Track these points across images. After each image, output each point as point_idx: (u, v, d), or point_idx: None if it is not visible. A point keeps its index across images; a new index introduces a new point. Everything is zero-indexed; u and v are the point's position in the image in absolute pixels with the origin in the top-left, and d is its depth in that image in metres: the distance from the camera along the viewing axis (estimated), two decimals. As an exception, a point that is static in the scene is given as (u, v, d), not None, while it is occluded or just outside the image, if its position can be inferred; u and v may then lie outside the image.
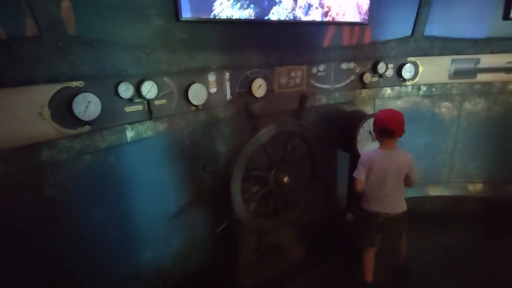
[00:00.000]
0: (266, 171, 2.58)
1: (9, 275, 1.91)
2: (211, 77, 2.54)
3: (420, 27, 3.36)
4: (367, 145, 3.13)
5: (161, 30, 2.21)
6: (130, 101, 2.18)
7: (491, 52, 3.51)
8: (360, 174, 2.41)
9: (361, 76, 3.35)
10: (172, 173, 2.56)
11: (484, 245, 3.18)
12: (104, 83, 2.06)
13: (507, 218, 3.56)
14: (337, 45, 3.12)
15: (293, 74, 2.97)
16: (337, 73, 3.24)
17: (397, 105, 3.61)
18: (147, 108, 2.27)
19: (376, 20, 3.20)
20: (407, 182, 2.44)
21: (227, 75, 2.61)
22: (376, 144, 3.05)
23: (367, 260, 2.60)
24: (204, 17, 2.35)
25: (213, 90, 2.57)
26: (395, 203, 2.42)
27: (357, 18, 3.07)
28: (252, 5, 2.50)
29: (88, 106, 1.96)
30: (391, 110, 2.42)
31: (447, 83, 3.64)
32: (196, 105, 2.48)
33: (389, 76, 3.49)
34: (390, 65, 3.44)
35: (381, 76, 3.43)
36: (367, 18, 3.10)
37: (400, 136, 2.36)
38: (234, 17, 2.45)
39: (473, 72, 3.62)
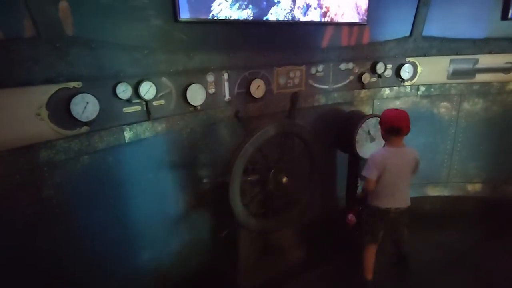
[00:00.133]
0: (264, 173, 2.58)
1: (8, 276, 1.91)
2: (210, 78, 2.53)
3: (418, 27, 3.37)
4: (366, 146, 3.13)
5: (160, 31, 2.21)
6: (128, 101, 2.18)
7: (490, 52, 3.52)
8: (372, 174, 2.40)
9: (360, 76, 3.35)
10: (171, 173, 2.55)
11: (483, 245, 3.18)
12: (102, 83, 2.06)
13: (506, 218, 3.56)
14: (335, 46, 3.13)
15: (291, 75, 2.97)
16: (336, 74, 3.24)
17: (396, 105, 3.61)
18: (145, 108, 2.26)
19: (375, 21, 3.20)
20: (412, 174, 2.54)
21: (225, 75, 2.60)
22: (374, 145, 3.09)
23: (368, 257, 2.62)
24: (202, 17, 2.35)
25: (211, 90, 2.57)
26: (406, 196, 2.51)
27: (355, 19, 3.07)
28: (250, 6, 2.50)
29: (86, 107, 1.96)
30: (396, 109, 2.47)
31: (446, 83, 3.64)
32: (194, 106, 2.48)
33: (388, 76, 3.50)
34: (389, 66, 3.45)
35: (380, 76, 3.43)
36: (365, 18, 3.11)
37: (407, 134, 2.41)
38: (232, 18, 2.45)
39: (471, 72, 3.62)
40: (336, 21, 2.98)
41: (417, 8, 3.28)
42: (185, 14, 2.24)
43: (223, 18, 2.41)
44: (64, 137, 1.95)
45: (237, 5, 2.44)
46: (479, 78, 3.63)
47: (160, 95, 2.32)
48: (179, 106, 2.44)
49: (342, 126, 3.25)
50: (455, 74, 3.63)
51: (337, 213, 3.63)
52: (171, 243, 2.72)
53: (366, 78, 3.36)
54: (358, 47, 3.25)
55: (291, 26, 2.82)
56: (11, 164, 1.78)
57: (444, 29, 3.44)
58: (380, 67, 3.35)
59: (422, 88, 3.62)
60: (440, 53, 3.52)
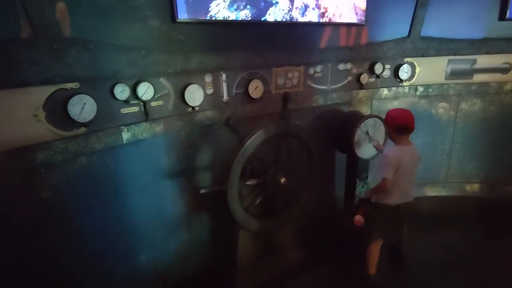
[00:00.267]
0: (262, 176, 2.57)
1: (6, 277, 1.90)
2: (208, 78, 2.53)
3: (416, 28, 3.37)
4: (364, 146, 3.13)
5: (157, 32, 2.21)
6: (126, 102, 2.18)
7: (488, 53, 3.53)
8: (390, 173, 2.42)
9: (358, 76, 3.35)
10: (169, 174, 2.55)
11: (482, 245, 3.19)
12: (100, 84, 2.06)
13: (504, 218, 3.57)
14: (334, 46, 3.13)
15: (290, 75, 2.97)
16: (334, 74, 3.24)
17: (395, 105, 3.61)
18: (143, 109, 2.26)
19: (373, 21, 3.21)
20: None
21: (223, 76, 2.60)
22: (372, 145, 3.09)
23: (375, 252, 2.67)
24: (200, 18, 2.34)
25: (209, 91, 2.56)
26: (412, 191, 2.60)
27: (354, 19, 3.07)
28: (248, 6, 2.50)
29: (83, 107, 1.95)
30: (401, 109, 2.58)
31: (444, 84, 3.65)
32: (192, 107, 2.48)
33: (386, 76, 3.50)
34: (387, 66, 3.45)
35: (378, 76, 3.43)
36: (364, 19, 3.11)
37: (413, 131, 2.48)
38: (230, 18, 2.45)
39: (469, 73, 3.63)
40: (334, 21, 2.98)
41: (415, 9, 3.29)
42: (183, 15, 2.24)
43: (221, 18, 2.41)
44: (62, 138, 1.95)
45: (235, 5, 2.44)
46: (477, 78, 3.64)
47: (158, 95, 2.31)
48: (177, 106, 2.43)
49: (341, 126, 3.25)
50: (453, 74, 3.63)
51: (336, 213, 3.65)
52: (170, 243, 2.71)
53: (365, 78, 3.36)
54: (356, 47, 3.25)
55: (289, 27, 2.82)
56: (8, 165, 1.77)
57: (442, 29, 3.44)
58: (378, 68, 3.35)
59: (421, 89, 3.63)
60: (438, 53, 3.53)
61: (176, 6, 2.19)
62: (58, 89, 1.90)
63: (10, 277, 1.92)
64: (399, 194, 2.50)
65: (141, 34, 2.15)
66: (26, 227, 1.93)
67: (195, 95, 2.45)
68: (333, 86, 3.28)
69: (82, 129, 2.03)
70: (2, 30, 1.67)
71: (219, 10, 2.39)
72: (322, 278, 2.89)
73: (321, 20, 2.91)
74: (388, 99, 3.58)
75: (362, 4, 3.05)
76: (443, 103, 3.75)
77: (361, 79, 3.34)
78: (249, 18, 2.54)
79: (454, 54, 3.54)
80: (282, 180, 2.58)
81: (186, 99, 2.41)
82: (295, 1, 2.72)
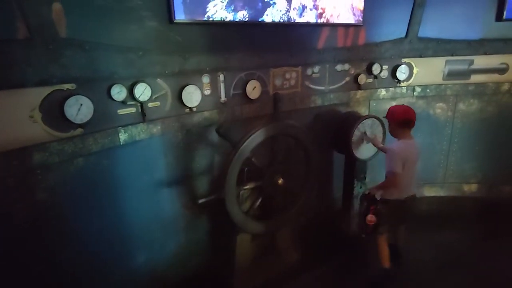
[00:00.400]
0: (259, 178, 2.56)
1: (3, 279, 1.89)
2: (205, 79, 2.53)
3: (414, 29, 3.38)
4: (362, 146, 3.13)
5: (155, 32, 2.20)
6: (123, 103, 2.17)
7: (485, 53, 3.54)
8: (399, 167, 2.45)
9: (356, 77, 3.36)
10: (167, 175, 2.54)
11: (480, 245, 3.19)
12: (97, 85, 2.05)
13: (502, 218, 3.58)
14: (331, 47, 3.13)
15: (288, 76, 2.97)
16: (332, 75, 3.24)
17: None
18: (140, 110, 2.25)
19: (371, 22, 3.21)
20: None
21: (221, 77, 2.60)
22: (370, 146, 3.09)
23: (384, 246, 2.72)
24: (198, 19, 2.34)
25: (207, 92, 2.56)
26: (415, 183, 2.67)
27: (351, 20, 3.07)
28: (246, 7, 2.50)
29: (80, 108, 1.95)
30: (402, 105, 2.69)
31: (442, 84, 3.66)
32: (190, 107, 2.47)
33: (384, 77, 3.51)
34: (385, 67, 3.46)
35: (376, 77, 3.44)
36: (361, 19, 3.11)
37: (414, 126, 2.55)
38: (228, 19, 2.44)
39: (467, 73, 3.64)
40: (332, 22, 2.98)
41: (412, 9, 3.30)
42: (180, 16, 2.24)
43: (219, 19, 2.40)
44: (58, 139, 1.94)
45: (232, 6, 2.44)
46: (475, 79, 3.65)
47: (155, 96, 2.30)
48: (175, 107, 2.43)
49: (339, 127, 3.24)
50: (451, 75, 3.64)
51: (334, 213, 3.64)
52: (167, 244, 2.71)
53: (362, 79, 3.36)
54: (354, 48, 3.25)
55: (287, 27, 2.82)
56: (4, 167, 1.76)
57: (439, 30, 3.45)
58: (376, 68, 3.36)
59: (418, 89, 3.63)
60: (435, 54, 3.53)
61: (173, 6, 2.19)
62: (55, 90, 1.89)
63: (7, 278, 1.91)
64: (406, 187, 2.55)
65: (138, 35, 2.14)
66: (23, 228, 1.92)
67: (192, 96, 2.44)
68: (331, 87, 3.28)
69: (79, 130, 2.02)
70: (-3, 31, 1.66)
71: (216, 11, 2.38)
72: (321, 278, 2.89)
73: (318, 21, 2.91)
74: (386, 99, 3.58)
75: (360, 5, 3.05)
76: (440, 104, 3.75)
77: (359, 79, 3.35)
78: (247, 19, 2.53)
79: (452, 55, 3.54)
80: (280, 181, 2.58)
81: (183, 100, 2.40)
82: (292, 2, 2.71)
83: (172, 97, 2.40)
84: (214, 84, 2.58)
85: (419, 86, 3.63)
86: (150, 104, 2.30)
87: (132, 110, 2.23)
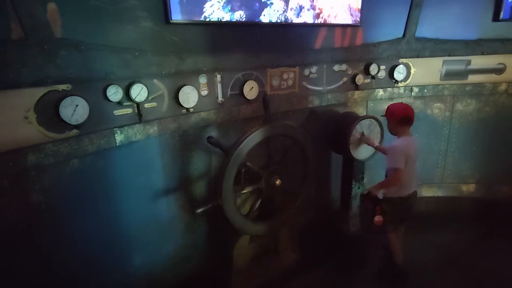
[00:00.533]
0: (256, 181, 2.55)
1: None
2: (202, 80, 2.51)
3: (411, 29, 3.38)
4: (360, 147, 3.12)
5: (151, 32, 2.19)
6: (119, 104, 2.15)
7: (482, 54, 3.54)
8: (402, 164, 2.45)
9: (353, 77, 3.35)
10: (163, 177, 2.53)
11: (478, 245, 3.19)
12: (92, 86, 2.03)
13: (500, 218, 3.58)
14: (329, 47, 3.12)
15: (285, 76, 2.97)
16: (329, 75, 3.24)
17: (390, 106, 3.62)
18: (136, 111, 2.24)
19: (368, 22, 3.21)
20: None
21: (218, 77, 2.59)
22: (368, 146, 3.08)
23: (395, 243, 2.73)
24: (194, 19, 2.33)
25: (204, 92, 2.55)
26: (416, 180, 2.66)
27: (348, 20, 3.07)
28: (243, 7, 2.49)
29: (75, 109, 1.93)
30: (400, 102, 2.76)
31: (439, 84, 3.66)
32: (187, 108, 2.46)
33: (382, 77, 3.51)
34: (382, 67, 3.46)
35: (373, 77, 3.44)
36: (358, 20, 3.11)
37: (412, 123, 2.58)
38: (225, 19, 2.44)
39: (464, 73, 3.64)
40: (329, 22, 2.98)
41: (409, 10, 3.30)
42: (176, 16, 2.23)
43: (216, 19, 2.40)
44: (53, 140, 1.92)
45: (229, 6, 2.43)
46: (472, 79, 3.65)
47: (151, 97, 2.29)
48: (171, 108, 2.41)
49: (336, 127, 3.24)
50: (448, 75, 3.64)
51: (332, 214, 3.64)
52: (164, 247, 2.69)
53: (360, 79, 3.36)
54: (352, 48, 3.25)
55: (284, 28, 2.81)
56: (-2, 169, 1.74)
57: (436, 30, 3.45)
58: (373, 69, 3.35)
59: (416, 89, 3.63)
60: (433, 54, 3.53)
61: (170, 7, 2.18)
62: (50, 91, 1.87)
63: (0, 282, 1.88)
64: (408, 184, 2.56)
65: (134, 35, 2.13)
66: (17, 230, 1.90)
67: (189, 97, 2.43)
68: (329, 87, 3.28)
69: (74, 131, 2.00)
70: (-9, 31, 1.64)
71: (213, 11, 2.37)
72: (319, 279, 2.87)
73: (316, 21, 2.91)
74: (384, 100, 3.58)
75: (357, 5, 3.05)
76: (438, 104, 3.76)
77: (356, 80, 3.34)
78: (244, 19, 2.52)
79: (449, 55, 3.55)
80: (278, 182, 2.57)
81: (180, 101, 2.39)
82: (290, 2, 2.71)
83: (169, 97, 2.39)
84: (211, 85, 2.57)
85: (416, 86, 3.63)
86: (146, 105, 2.29)
87: (128, 110, 2.22)
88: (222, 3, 2.39)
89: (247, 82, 2.71)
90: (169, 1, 2.16)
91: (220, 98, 2.64)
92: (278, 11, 2.67)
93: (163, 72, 2.30)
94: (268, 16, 2.63)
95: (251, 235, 2.66)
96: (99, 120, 2.09)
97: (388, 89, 3.57)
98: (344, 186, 3.42)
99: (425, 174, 3.90)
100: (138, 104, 2.22)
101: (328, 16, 2.95)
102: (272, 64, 2.84)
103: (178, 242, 2.76)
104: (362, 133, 3.07)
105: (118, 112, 2.18)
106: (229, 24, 2.50)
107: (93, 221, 2.22)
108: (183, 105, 2.42)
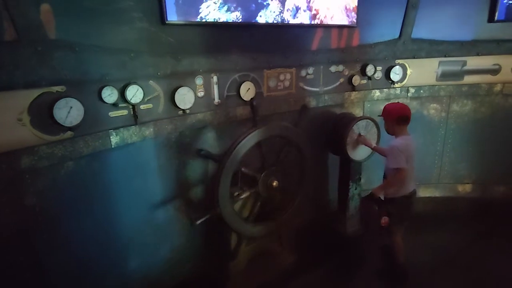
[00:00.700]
0: (253, 185, 2.54)
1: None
2: (199, 81, 2.50)
3: (407, 30, 3.39)
4: (357, 148, 3.12)
5: (146, 34, 2.17)
6: (115, 106, 2.13)
7: (477, 54, 3.56)
8: (403, 162, 2.47)
9: (350, 78, 3.36)
10: (160, 178, 2.51)
11: (474, 245, 3.19)
12: (87, 87, 2.01)
13: (496, 218, 3.59)
14: (325, 48, 3.12)
15: (282, 77, 2.96)
16: (326, 76, 3.24)
17: (387, 107, 3.62)
18: (132, 112, 2.22)
19: (364, 23, 3.21)
20: None
21: (214, 78, 2.57)
22: (365, 147, 3.09)
23: (399, 243, 2.75)
24: (190, 20, 2.31)
25: (200, 93, 2.53)
26: (414, 178, 2.67)
27: (345, 21, 3.07)
28: (239, 8, 2.48)
29: (70, 111, 1.91)
30: (397, 102, 2.76)
31: (435, 85, 3.67)
32: (183, 109, 2.44)
33: (378, 78, 3.51)
34: (379, 68, 3.46)
35: (370, 78, 3.44)
36: (355, 21, 3.11)
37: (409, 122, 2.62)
38: (221, 20, 2.43)
39: (460, 74, 3.66)
40: (326, 23, 2.98)
41: (405, 11, 3.31)
42: (172, 17, 2.21)
43: (212, 20, 2.38)
44: (47, 142, 1.90)
45: (225, 7, 2.42)
46: (468, 79, 3.67)
47: (147, 98, 2.27)
48: (168, 109, 2.40)
49: (333, 128, 3.24)
50: (444, 76, 3.66)
51: (329, 215, 3.63)
52: (160, 249, 2.67)
53: (356, 80, 3.37)
54: (348, 49, 3.25)
55: (281, 29, 2.81)
56: (-9, 171, 1.72)
57: (432, 31, 3.47)
58: (370, 69, 3.36)
59: (412, 90, 3.64)
60: (429, 55, 3.55)
61: (166, 8, 2.16)
62: (43, 93, 1.85)
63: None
64: (409, 183, 2.58)
65: (129, 36, 2.11)
66: (10, 234, 1.87)
67: (185, 98, 2.42)
68: (325, 88, 3.28)
69: (69, 133, 1.98)
70: (-16, 32, 1.62)
71: (209, 12, 2.36)
72: (317, 280, 2.87)
73: (312, 22, 2.90)
74: (380, 100, 3.58)
75: (353, 6, 3.05)
76: (434, 105, 3.77)
77: (353, 81, 3.35)
78: (240, 20, 2.51)
79: (445, 56, 3.56)
80: (274, 183, 2.56)
81: (176, 102, 2.38)
82: (286, 3, 2.71)
83: (165, 99, 2.37)
84: (207, 86, 2.56)
85: (413, 87, 3.64)
86: (142, 106, 2.27)
87: (124, 112, 2.20)
88: (218, 4, 2.38)
89: (244, 83, 2.70)
90: (165, 2, 2.15)
91: (216, 100, 2.63)
92: (274, 12, 2.67)
93: (159, 73, 2.29)
94: (265, 17, 2.63)
95: (254, 237, 2.64)
96: (94, 122, 2.07)
97: (385, 90, 3.57)
98: (341, 187, 3.42)
99: (422, 175, 3.91)
100: (133, 106, 2.20)
101: (324, 17, 2.95)
102: (268, 65, 2.84)
103: (175, 244, 2.74)
104: (359, 134, 3.07)
105: (113, 113, 2.16)
106: (226, 25, 2.49)
107: (89, 224, 2.20)
108: (179, 106, 2.40)
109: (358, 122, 3.06)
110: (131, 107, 2.21)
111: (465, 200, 3.97)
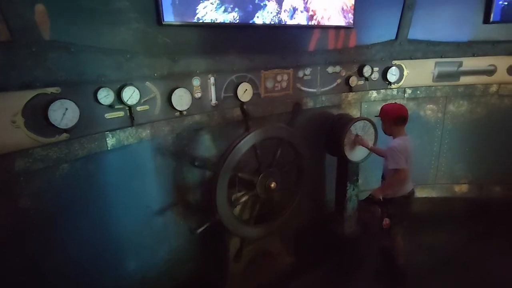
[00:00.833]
0: (251, 187, 2.53)
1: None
2: (196, 82, 2.49)
3: (404, 31, 3.40)
4: (355, 149, 3.12)
5: (142, 34, 2.15)
6: (111, 107, 2.11)
7: (473, 55, 3.58)
8: (404, 163, 2.47)
9: (347, 79, 3.36)
10: (157, 180, 2.48)
11: (471, 246, 3.21)
12: (83, 89, 1.99)
13: (492, 218, 3.61)
14: (322, 49, 3.12)
15: (279, 78, 2.95)
16: (323, 77, 3.24)
17: (383, 108, 3.63)
18: (128, 114, 2.20)
19: (361, 24, 3.22)
20: None
21: (212, 79, 2.56)
22: (362, 148, 3.09)
23: (400, 244, 2.76)
24: (187, 20, 2.30)
25: (197, 95, 2.52)
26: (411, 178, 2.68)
27: (342, 22, 3.08)
28: (236, 9, 2.47)
29: (65, 113, 1.88)
30: (394, 103, 2.77)
31: (432, 86, 3.69)
32: (180, 111, 2.43)
33: (375, 79, 3.52)
34: (376, 69, 3.47)
35: (367, 79, 3.45)
36: (352, 21, 3.12)
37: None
38: (218, 21, 2.41)
39: (456, 75, 3.68)
40: (323, 24, 2.98)
41: (402, 12, 3.32)
42: (169, 17, 2.20)
43: (209, 21, 2.37)
44: (42, 145, 1.87)
45: (222, 8, 2.41)
46: (464, 80, 3.69)
47: (144, 100, 2.26)
48: (164, 111, 2.38)
49: (330, 129, 3.24)
50: (440, 76, 3.68)
51: (327, 216, 3.63)
52: (158, 252, 2.64)
53: (354, 81, 3.37)
54: (345, 50, 3.26)
55: (278, 29, 2.80)
56: (-16, 174, 1.69)
57: (428, 32, 3.48)
58: (367, 70, 3.37)
59: (409, 91, 3.66)
60: (425, 56, 3.56)
61: (162, 8, 2.15)
62: (38, 94, 1.83)
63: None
64: (407, 182, 2.59)
65: (125, 37, 2.09)
66: (6, 236, 1.84)
67: (182, 99, 2.40)
68: (323, 89, 3.28)
69: (64, 135, 1.95)
70: (-23, 33, 1.59)
71: (206, 13, 2.35)
72: (315, 281, 2.86)
73: (309, 23, 2.90)
74: (377, 101, 3.59)
75: (350, 7, 3.06)
76: (431, 105, 3.78)
77: (350, 81, 3.35)
78: (237, 21, 2.50)
79: (441, 57, 3.58)
80: (272, 185, 2.54)
81: (173, 103, 2.36)
82: (283, 4, 2.70)
83: (162, 100, 2.35)
84: (204, 87, 2.54)
85: (409, 88, 3.65)
86: (138, 108, 2.25)
87: (120, 114, 2.18)
88: (215, 5, 2.36)
89: (241, 84, 2.68)
90: (161, 3, 2.13)
91: (213, 101, 2.62)
92: (271, 13, 2.66)
93: (155, 75, 2.27)
94: (262, 18, 2.62)
95: (254, 238, 2.63)
96: (89, 124, 2.04)
97: (382, 90, 3.58)
98: (339, 188, 3.42)
99: (418, 175, 3.91)
100: (130, 107, 2.18)
101: (321, 18, 2.95)
102: (266, 66, 2.83)
103: (173, 246, 2.71)
104: (357, 135, 3.07)
105: (109, 115, 2.13)
106: (223, 26, 2.47)
107: (85, 226, 2.17)
108: (176, 108, 2.38)
109: (356, 123, 3.06)
110: (127, 108, 2.19)
111: (462, 200, 3.99)
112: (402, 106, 2.62)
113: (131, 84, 2.14)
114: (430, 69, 3.65)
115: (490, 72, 3.67)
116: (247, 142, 2.31)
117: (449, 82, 3.69)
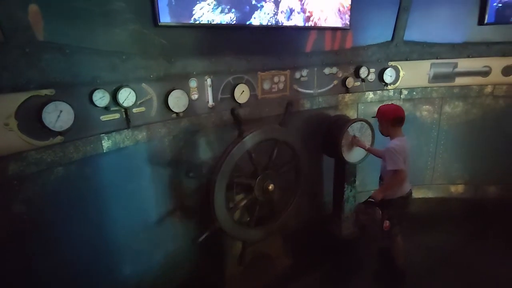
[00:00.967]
0: (249, 192, 2.51)
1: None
2: (192, 83, 2.47)
3: (400, 32, 3.42)
4: (352, 150, 3.12)
5: (138, 35, 2.13)
6: (106, 109, 2.08)
7: (468, 56, 3.61)
8: (402, 164, 2.47)
9: (343, 80, 3.36)
10: (153, 184, 2.46)
11: (467, 246, 3.22)
12: (77, 91, 1.96)
13: (488, 218, 3.64)
14: (319, 50, 3.12)
15: (276, 80, 2.94)
16: (320, 78, 3.24)
17: (380, 109, 3.64)
18: (124, 116, 2.17)
19: (357, 25, 3.23)
20: None
21: (208, 81, 2.54)
22: (360, 149, 3.09)
23: (400, 245, 2.75)
24: (184, 21, 2.28)
25: (194, 96, 2.50)
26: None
27: (338, 23, 3.08)
28: (233, 10, 2.46)
29: (59, 115, 1.85)
30: (391, 104, 2.81)
31: (427, 87, 3.71)
32: (176, 112, 2.40)
33: (371, 80, 3.53)
34: (372, 70, 3.48)
35: (363, 80, 3.45)
36: (348, 23, 3.12)
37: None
38: (215, 22, 2.40)
39: (451, 76, 3.70)
40: (320, 25, 2.98)
41: (398, 14, 3.33)
42: (165, 18, 2.18)
43: (205, 22, 2.36)
44: (36, 148, 1.84)
45: (219, 9, 2.39)
46: (459, 81, 3.72)
47: (140, 102, 2.23)
48: (161, 113, 2.36)
49: (328, 130, 3.23)
50: (436, 77, 3.70)
51: (324, 217, 3.62)
52: (154, 255, 2.61)
53: (350, 82, 3.37)
54: (342, 51, 3.26)
55: (275, 31, 2.80)
56: (-23, 179, 1.65)
57: (424, 34, 3.50)
58: (363, 71, 3.37)
59: (405, 92, 3.67)
60: (421, 57, 3.58)
61: (158, 9, 2.13)
62: (32, 96, 1.79)
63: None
64: (406, 183, 2.59)
65: (121, 38, 2.07)
66: (0, 239, 1.80)
67: (179, 101, 2.38)
68: (319, 90, 3.27)
69: (59, 138, 1.92)
70: (-31, 34, 1.56)
71: (203, 14, 2.33)
72: (313, 283, 2.85)
73: (306, 24, 2.90)
74: (374, 102, 3.60)
75: (347, 9, 3.06)
76: (427, 106, 3.80)
77: (346, 83, 3.35)
78: (234, 22, 2.49)
79: (436, 58, 3.60)
80: (270, 187, 2.52)
81: (169, 105, 2.34)
82: (280, 5, 2.69)
83: (158, 102, 2.33)
84: (201, 89, 2.52)
85: (405, 89, 3.67)
86: (134, 110, 2.22)
87: (116, 116, 2.15)
88: (212, 6, 2.35)
89: (238, 86, 2.67)
90: (157, 4, 2.11)
91: (210, 102, 2.60)
92: (268, 14, 2.65)
93: (151, 76, 2.24)
94: (259, 19, 2.61)
95: (256, 241, 2.61)
96: (85, 126, 2.01)
97: (378, 91, 3.59)
98: (336, 189, 3.41)
99: (415, 176, 3.92)
100: (126, 109, 2.16)
101: (318, 19, 2.95)
102: (262, 68, 2.82)
103: (169, 249, 2.68)
104: (354, 136, 3.07)
105: (105, 117, 2.11)
106: (219, 27, 2.46)
107: (81, 230, 2.13)
108: (173, 109, 2.36)
109: (353, 124, 3.06)
110: (123, 110, 2.16)
111: (458, 201, 4.01)
112: (399, 107, 2.63)
113: (127, 86, 2.12)
114: (426, 70, 3.67)
115: (485, 73, 3.70)
116: (240, 148, 2.27)
117: (445, 83, 3.71)
